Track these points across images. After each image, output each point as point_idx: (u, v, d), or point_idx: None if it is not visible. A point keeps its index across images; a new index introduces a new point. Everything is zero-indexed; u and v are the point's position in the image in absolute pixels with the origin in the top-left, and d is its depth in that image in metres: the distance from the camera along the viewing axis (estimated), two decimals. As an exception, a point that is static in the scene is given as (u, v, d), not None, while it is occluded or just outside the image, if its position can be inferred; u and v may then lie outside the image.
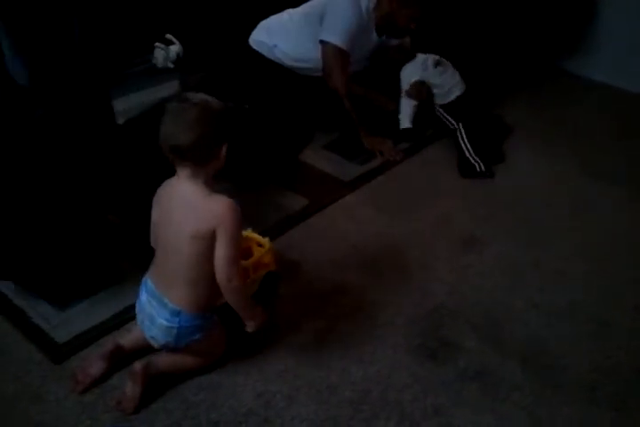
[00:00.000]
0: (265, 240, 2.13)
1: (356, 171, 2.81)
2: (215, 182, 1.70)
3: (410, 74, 3.03)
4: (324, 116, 3.00)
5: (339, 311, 2.09)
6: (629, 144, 3.06)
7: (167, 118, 1.58)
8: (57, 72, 1.91)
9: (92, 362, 1.81)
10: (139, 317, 1.80)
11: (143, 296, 1.77)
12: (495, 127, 3.02)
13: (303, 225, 2.47)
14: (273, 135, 2.80)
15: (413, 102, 3.00)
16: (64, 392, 1.79)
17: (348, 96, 2.87)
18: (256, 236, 2.15)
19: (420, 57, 3.02)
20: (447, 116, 2.97)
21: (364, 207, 2.58)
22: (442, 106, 3.00)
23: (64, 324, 1.99)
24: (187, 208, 1.64)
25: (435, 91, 3.00)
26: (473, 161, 2.80)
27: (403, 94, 3.02)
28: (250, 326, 1.78)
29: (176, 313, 1.69)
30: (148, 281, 1.77)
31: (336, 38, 2.82)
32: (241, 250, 2.05)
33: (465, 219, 2.53)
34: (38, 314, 2.02)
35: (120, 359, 1.84)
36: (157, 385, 1.79)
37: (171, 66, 3.51)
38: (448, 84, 2.99)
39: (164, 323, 1.71)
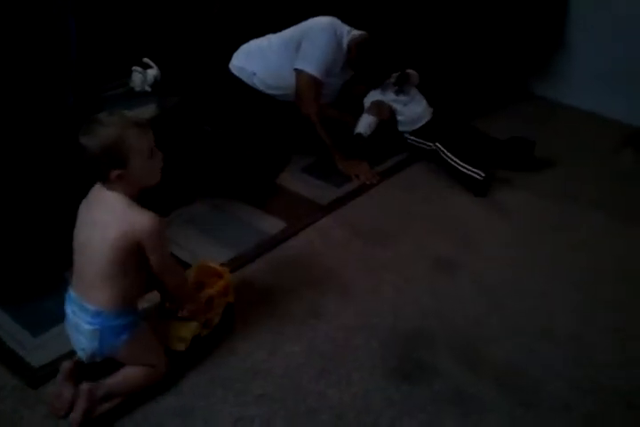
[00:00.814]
0: (224, 270, 2.12)
1: (332, 194, 2.84)
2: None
3: (370, 98, 3.11)
4: (302, 139, 3.03)
5: (315, 334, 2.10)
6: (601, 166, 3.13)
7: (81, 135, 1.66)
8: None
9: (61, 386, 1.80)
10: (69, 334, 1.81)
11: (68, 309, 1.79)
12: (475, 134, 3.07)
13: (280, 248, 2.49)
14: (250, 159, 2.82)
15: (372, 118, 3.04)
16: (39, 418, 1.77)
17: (321, 123, 2.91)
18: (214, 265, 2.14)
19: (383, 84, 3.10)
20: (420, 140, 3.02)
21: (341, 230, 2.60)
22: (411, 133, 3.05)
23: (39, 348, 1.97)
24: (110, 216, 1.70)
25: (400, 118, 3.06)
26: (470, 172, 2.82)
27: (365, 111, 3.08)
28: (187, 310, 1.90)
29: (97, 314, 1.72)
30: (71, 293, 1.79)
31: (311, 67, 2.87)
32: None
33: (441, 241, 2.56)
34: (13, 339, 2.00)
35: (86, 374, 1.84)
36: (122, 410, 1.80)
37: (148, 89, 3.54)
38: (415, 113, 3.06)
39: (87, 327, 1.73)
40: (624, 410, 1.89)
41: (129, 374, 1.82)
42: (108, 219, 1.70)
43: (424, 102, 3.09)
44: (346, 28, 2.98)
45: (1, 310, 2.11)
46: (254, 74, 2.98)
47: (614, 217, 2.74)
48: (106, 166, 1.65)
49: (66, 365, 1.82)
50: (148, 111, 3.28)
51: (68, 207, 2.16)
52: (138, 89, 3.54)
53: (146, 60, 3.56)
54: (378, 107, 3.05)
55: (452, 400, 1.89)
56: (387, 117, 3.05)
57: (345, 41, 2.95)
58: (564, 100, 3.69)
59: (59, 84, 2.13)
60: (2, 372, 1.91)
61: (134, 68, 3.53)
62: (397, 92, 3.05)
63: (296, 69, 2.90)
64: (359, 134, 3.02)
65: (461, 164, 2.84)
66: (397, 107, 3.05)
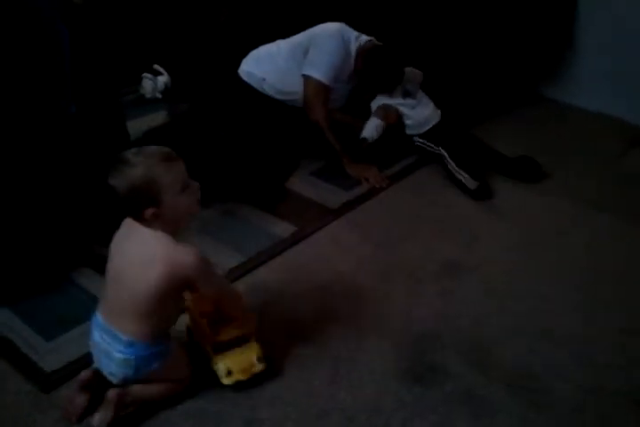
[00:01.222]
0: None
1: (342, 198, 2.84)
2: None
3: (377, 101, 3.12)
4: (311, 144, 3.04)
5: (325, 337, 2.10)
6: (610, 168, 3.12)
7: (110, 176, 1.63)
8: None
9: (75, 392, 1.81)
10: (94, 355, 1.81)
11: (96, 334, 1.78)
12: (477, 145, 3.08)
13: (290, 252, 2.49)
14: (259, 164, 2.84)
15: (379, 122, 3.03)
16: (52, 422, 1.79)
17: (330, 128, 2.92)
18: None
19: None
20: (428, 143, 3.03)
21: (350, 234, 2.61)
22: (420, 135, 3.06)
23: (52, 353, 1.99)
24: (150, 254, 1.66)
25: (408, 122, 3.07)
26: (464, 180, 2.84)
27: (371, 116, 3.08)
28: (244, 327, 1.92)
29: (130, 344, 1.71)
30: (98, 317, 1.78)
31: (319, 73, 2.88)
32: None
33: (449, 245, 2.56)
34: (26, 344, 2.02)
35: (102, 384, 1.84)
36: (139, 413, 1.81)
37: (159, 96, 3.56)
38: (422, 116, 3.06)
39: (120, 356, 1.72)
40: (634, 410, 1.88)
41: (156, 387, 1.83)
42: (147, 257, 1.66)
43: (431, 105, 3.09)
44: (354, 33, 2.99)
45: (14, 315, 2.13)
46: (264, 79, 3.00)
47: (619, 219, 2.72)
48: (138, 207, 1.63)
49: (84, 374, 1.82)
50: (158, 118, 3.31)
51: (73, 209, 2.22)
52: (148, 96, 3.56)
53: (156, 66, 3.59)
54: (385, 111, 3.06)
55: (463, 402, 1.89)
56: (393, 121, 3.05)
57: (353, 47, 2.96)
58: (571, 101, 3.68)
59: (53, 93, 2.14)
60: (15, 376, 1.93)
61: (145, 74, 3.55)
62: (404, 95, 3.06)
63: (304, 75, 2.92)
64: (364, 139, 3.02)
65: (458, 170, 2.87)
66: (405, 110, 3.05)
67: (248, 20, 3.42)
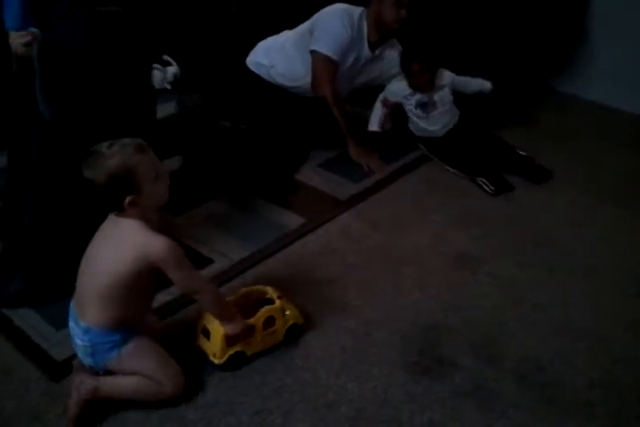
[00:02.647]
0: (269, 291, 2.06)
1: (351, 189, 2.84)
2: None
3: (391, 90, 3.07)
4: (321, 135, 3.04)
5: (334, 328, 2.10)
6: (623, 161, 3.10)
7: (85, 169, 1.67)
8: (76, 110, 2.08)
9: (80, 378, 1.79)
10: (73, 343, 1.83)
11: (70, 322, 1.81)
12: (493, 143, 3.05)
13: (300, 243, 2.49)
14: (268, 155, 2.83)
15: (385, 110, 3.05)
16: (62, 410, 1.78)
17: (337, 104, 2.91)
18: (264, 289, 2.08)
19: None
20: (429, 154, 3.05)
21: (360, 225, 2.60)
22: (421, 140, 3.07)
23: (63, 342, 1.99)
24: (122, 241, 1.71)
25: (410, 125, 3.08)
26: (482, 183, 2.84)
27: (378, 99, 3.07)
28: (229, 329, 1.86)
29: (86, 331, 1.74)
30: (71, 306, 1.81)
31: (326, 48, 2.87)
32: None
33: (460, 237, 2.55)
34: (37, 333, 2.03)
35: None
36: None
37: (168, 87, 3.54)
38: (420, 129, 3.06)
39: (80, 342, 1.76)
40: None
41: (125, 381, 1.79)
42: (120, 244, 1.71)
43: (441, 123, 3.03)
44: (360, 8, 2.96)
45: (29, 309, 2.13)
46: (272, 67, 2.99)
47: (633, 211, 2.71)
48: (118, 195, 1.66)
49: (77, 362, 1.85)
50: (167, 109, 3.30)
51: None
52: (157, 87, 3.54)
53: (166, 57, 3.58)
54: (392, 106, 3.06)
55: (473, 395, 1.89)
56: (392, 106, 3.05)
57: (363, 18, 2.93)
58: (583, 94, 3.65)
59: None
60: (26, 365, 1.94)
61: (154, 65, 3.54)
62: (417, 106, 3.02)
63: (311, 51, 2.91)
64: (373, 133, 3.04)
65: (475, 178, 2.87)
66: (410, 115, 3.05)
67: (258, 11, 3.41)
